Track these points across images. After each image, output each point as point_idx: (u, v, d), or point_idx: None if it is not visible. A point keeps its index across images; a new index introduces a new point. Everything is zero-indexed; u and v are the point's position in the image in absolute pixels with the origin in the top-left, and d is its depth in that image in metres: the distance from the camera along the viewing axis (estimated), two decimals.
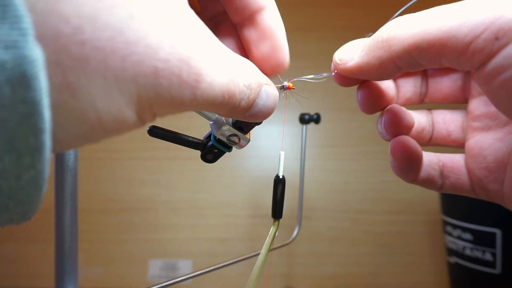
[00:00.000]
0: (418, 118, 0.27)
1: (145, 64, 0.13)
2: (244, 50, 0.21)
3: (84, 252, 0.77)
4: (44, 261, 0.76)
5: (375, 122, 0.27)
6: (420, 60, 0.18)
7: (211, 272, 0.40)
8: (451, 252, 0.62)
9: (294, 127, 0.63)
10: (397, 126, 0.24)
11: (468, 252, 0.57)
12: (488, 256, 0.54)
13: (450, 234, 0.62)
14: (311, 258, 0.79)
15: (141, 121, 0.15)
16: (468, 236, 0.57)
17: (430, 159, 0.26)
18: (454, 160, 0.26)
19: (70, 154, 0.25)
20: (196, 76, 0.15)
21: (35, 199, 0.12)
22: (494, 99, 0.17)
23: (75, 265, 0.26)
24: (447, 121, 0.27)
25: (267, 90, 0.19)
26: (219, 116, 0.25)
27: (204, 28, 0.16)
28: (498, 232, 0.53)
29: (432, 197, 0.76)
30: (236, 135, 0.25)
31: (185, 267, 0.78)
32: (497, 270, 0.53)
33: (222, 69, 0.16)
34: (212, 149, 0.27)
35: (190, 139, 0.28)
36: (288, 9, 0.83)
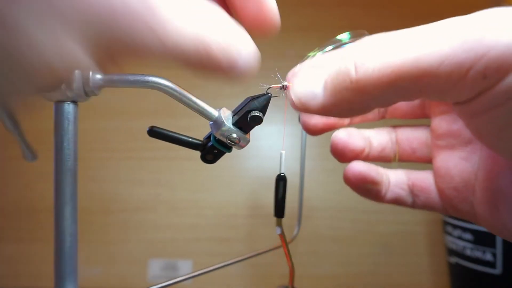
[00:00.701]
0: (377, 138, 0.26)
1: (99, 4, 0.12)
2: (229, 10, 0.18)
3: (84, 252, 0.77)
4: (44, 261, 0.76)
5: (375, 122, 0.27)
6: (396, 99, 0.16)
7: (211, 272, 0.40)
8: (451, 252, 0.62)
9: (294, 127, 0.63)
10: (343, 152, 0.24)
11: (468, 252, 0.57)
12: (488, 256, 0.54)
13: (450, 234, 0.62)
14: (311, 258, 0.79)
15: (101, 69, 0.14)
16: (468, 236, 0.57)
17: (398, 179, 0.26)
18: (423, 179, 0.25)
19: (70, 154, 0.25)
20: (162, 21, 0.13)
21: None
22: (477, 133, 0.16)
23: (75, 265, 0.26)
24: (410, 139, 0.26)
25: (248, 46, 0.16)
26: (219, 117, 0.25)
27: None
28: None
29: None
30: (236, 135, 0.25)
31: (185, 267, 0.78)
32: (498, 270, 0.53)
33: (192, 17, 0.14)
34: (212, 150, 0.27)
35: (190, 139, 0.28)
36: (288, 9, 0.83)
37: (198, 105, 0.25)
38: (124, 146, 0.79)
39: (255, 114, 0.25)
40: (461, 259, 0.59)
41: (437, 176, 0.25)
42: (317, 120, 0.24)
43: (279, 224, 0.28)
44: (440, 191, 0.25)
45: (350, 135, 0.25)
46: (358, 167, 0.24)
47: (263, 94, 0.25)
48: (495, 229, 0.22)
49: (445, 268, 0.68)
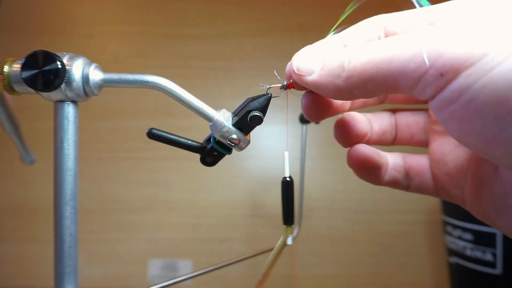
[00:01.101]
0: (379, 122, 0.27)
1: None
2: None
3: (84, 252, 0.77)
4: (44, 261, 0.76)
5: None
6: (376, 92, 0.19)
7: (211, 272, 0.40)
8: (451, 252, 0.62)
9: (294, 127, 0.63)
10: (348, 136, 0.25)
11: (468, 252, 0.57)
12: (488, 256, 0.54)
13: (450, 234, 0.62)
14: (311, 258, 0.79)
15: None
16: (468, 236, 0.57)
17: (395, 161, 0.27)
18: (419, 163, 0.26)
19: (70, 154, 0.25)
20: None
21: None
22: (446, 127, 0.18)
23: (75, 265, 0.26)
24: (409, 123, 0.27)
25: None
26: (219, 117, 0.25)
27: None
28: (498, 232, 0.53)
29: (432, 197, 0.76)
30: (236, 136, 0.25)
31: (185, 267, 0.78)
32: (498, 270, 0.53)
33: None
34: (211, 152, 0.27)
35: (190, 142, 0.28)
36: (288, 9, 0.83)
37: (198, 106, 0.25)
38: (124, 146, 0.79)
39: (255, 114, 0.24)
40: (461, 259, 0.59)
41: (432, 160, 0.26)
42: (319, 104, 0.24)
43: (291, 233, 0.28)
44: (434, 175, 0.26)
45: (354, 119, 0.25)
46: (362, 149, 0.25)
47: (263, 95, 0.25)
48: (478, 215, 0.23)
49: (445, 268, 0.68)
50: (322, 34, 0.23)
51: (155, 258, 0.78)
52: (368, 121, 0.27)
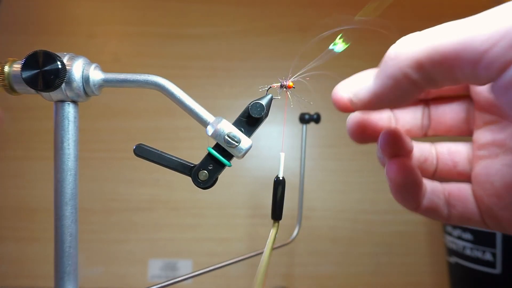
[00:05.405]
0: (421, 147, 0.26)
1: None
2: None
3: (84, 252, 0.77)
4: (44, 261, 0.76)
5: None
6: (434, 74, 0.17)
7: (211, 272, 0.40)
8: (451, 252, 0.62)
9: (294, 127, 0.63)
10: (394, 146, 0.23)
11: (468, 252, 0.57)
12: (488, 256, 0.54)
13: (450, 234, 0.62)
14: (311, 258, 0.79)
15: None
16: (468, 236, 0.57)
17: (434, 187, 0.25)
18: (461, 188, 0.25)
19: (70, 154, 0.25)
20: None
21: None
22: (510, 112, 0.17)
23: (75, 265, 0.26)
24: (452, 151, 0.26)
25: None
26: (217, 119, 0.25)
27: None
28: (498, 232, 0.53)
29: None
30: (236, 134, 0.24)
31: (185, 267, 0.78)
32: (497, 270, 0.53)
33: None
34: (206, 165, 0.24)
35: (180, 161, 0.25)
36: (288, 9, 0.83)
37: (195, 109, 0.25)
38: (124, 146, 0.79)
39: (255, 101, 0.23)
40: (461, 259, 0.59)
41: (475, 183, 0.24)
42: (370, 126, 0.23)
43: (276, 227, 0.27)
44: (478, 199, 0.24)
45: (402, 133, 0.24)
46: (406, 160, 0.23)
47: (264, 96, 0.24)
48: None
49: (445, 268, 0.68)
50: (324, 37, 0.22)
51: (155, 258, 0.78)
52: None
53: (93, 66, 0.25)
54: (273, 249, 0.28)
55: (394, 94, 0.19)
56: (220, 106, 0.79)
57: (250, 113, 0.23)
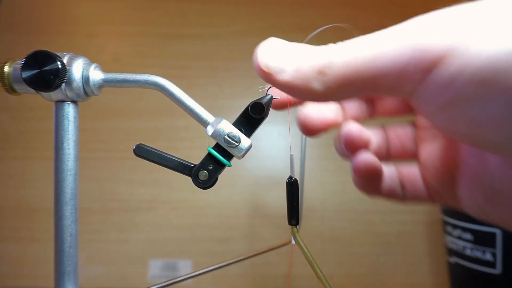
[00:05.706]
0: (373, 135, 0.27)
1: None
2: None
3: (84, 252, 0.77)
4: (44, 261, 0.76)
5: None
6: (356, 94, 0.18)
7: (211, 272, 0.40)
8: (451, 252, 0.62)
9: (294, 127, 0.63)
10: (355, 145, 0.24)
11: (468, 252, 0.57)
12: (488, 256, 0.54)
13: (450, 234, 0.62)
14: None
15: None
16: (468, 236, 0.57)
17: (390, 172, 0.26)
18: (411, 171, 0.26)
19: (70, 154, 0.25)
20: None
21: None
22: (432, 120, 0.18)
23: (75, 265, 0.26)
24: (399, 135, 0.27)
25: None
26: (216, 119, 0.25)
27: None
28: (498, 232, 0.53)
29: None
30: (235, 133, 0.24)
31: (185, 267, 0.78)
32: (497, 270, 0.53)
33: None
34: (206, 164, 0.24)
35: (180, 161, 0.25)
36: (288, 9, 0.83)
37: (195, 109, 0.25)
38: (124, 146, 0.79)
39: (255, 101, 0.23)
40: (461, 259, 0.59)
41: (422, 166, 0.26)
42: (316, 120, 0.24)
43: (294, 234, 0.27)
44: (426, 181, 0.25)
45: (361, 128, 0.25)
46: (369, 156, 0.24)
47: (264, 96, 0.24)
48: (474, 213, 0.23)
49: (445, 268, 0.68)
50: (322, 34, 0.22)
51: (155, 258, 0.78)
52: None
53: (93, 66, 0.25)
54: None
55: (308, 97, 0.19)
56: (220, 106, 0.79)
57: (250, 113, 0.23)
